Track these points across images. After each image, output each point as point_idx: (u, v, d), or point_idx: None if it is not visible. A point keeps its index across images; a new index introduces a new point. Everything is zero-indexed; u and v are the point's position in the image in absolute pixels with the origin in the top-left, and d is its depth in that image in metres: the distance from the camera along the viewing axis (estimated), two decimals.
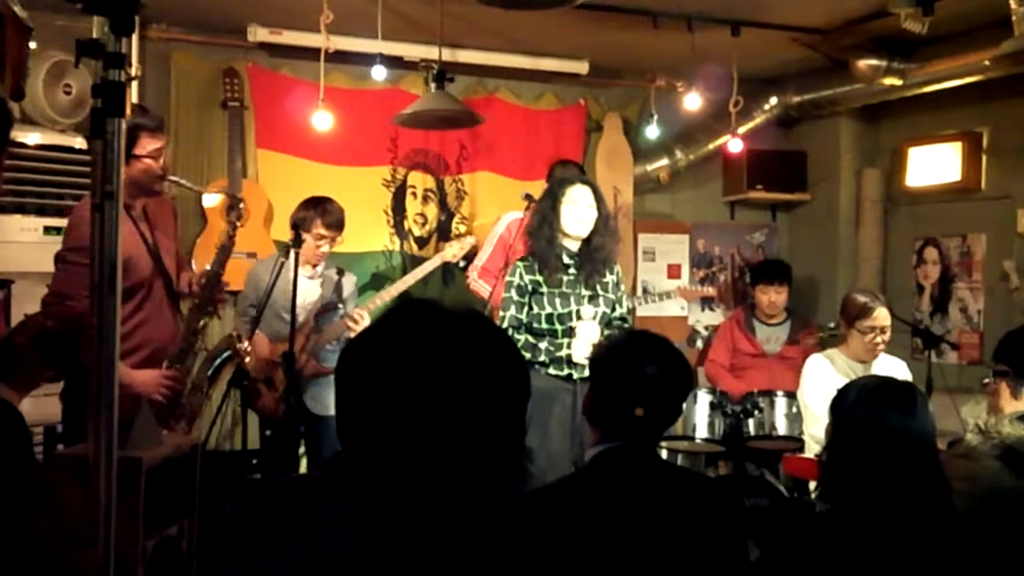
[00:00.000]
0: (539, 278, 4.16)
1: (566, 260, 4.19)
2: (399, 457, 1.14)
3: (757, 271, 5.96)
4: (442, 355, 1.15)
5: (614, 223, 4.43)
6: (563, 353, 4.11)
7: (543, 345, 4.12)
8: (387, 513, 1.15)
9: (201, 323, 3.81)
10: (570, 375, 4.12)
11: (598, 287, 4.23)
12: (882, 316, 4.30)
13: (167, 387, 3.65)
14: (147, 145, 3.67)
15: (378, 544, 1.13)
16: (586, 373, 4.10)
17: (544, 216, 4.19)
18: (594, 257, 4.20)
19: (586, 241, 4.20)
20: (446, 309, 1.22)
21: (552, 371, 4.11)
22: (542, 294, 4.15)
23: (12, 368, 2.88)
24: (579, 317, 4.11)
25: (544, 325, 4.14)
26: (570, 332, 4.12)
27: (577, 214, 4.16)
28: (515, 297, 4.16)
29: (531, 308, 4.16)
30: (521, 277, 4.17)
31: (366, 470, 1.16)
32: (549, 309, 4.14)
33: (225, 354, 3.90)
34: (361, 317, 4.61)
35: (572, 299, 4.16)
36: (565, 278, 4.18)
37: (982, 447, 2.71)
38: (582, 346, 4.04)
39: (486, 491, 1.18)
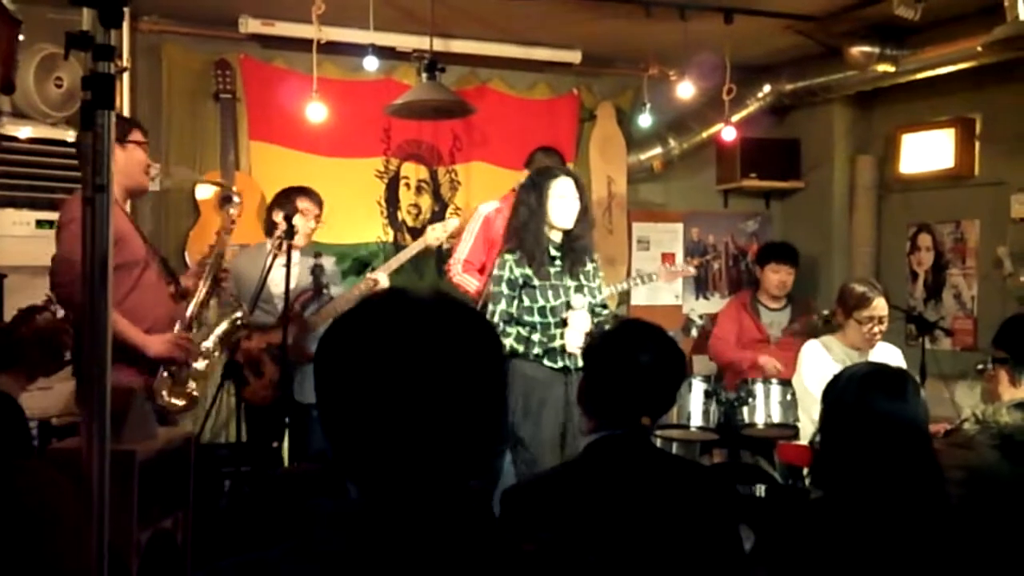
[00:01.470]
0: (529, 271, 4.15)
1: (552, 252, 4.21)
2: (379, 444, 1.14)
3: (766, 251, 5.92)
4: (416, 340, 1.15)
5: (591, 214, 4.46)
6: (557, 344, 4.12)
7: (536, 337, 4.13)
8: (372, 502, 1.15)
9: (209, 295, 3.99)
10: (565, 367, 4.13)
11: (581, 277, 4.26)
12: (880, 306, 4.30)
13: (180, 347, 3.75)
14: (139, 136, 3.77)
15: (366, 535, 1.14)
16: (580, 363, 4.19)
17: (531, 210, 4.18)
18: (576, 247, 4.24)
19: (567, 232, 4.22)
20: (419, 295, 1.22)
21: (547, 363, 4.13)
22: (534, 287, 4.15)
23: (14, 360, 2.88)
24: (570, 307, 4.14)
25: (536, 318, 4.14)
26: (562, 323, 4.14)
27: (564, 206, 4.18)
28: (505, 291, 4.15)
29: (521, 301, 4.16)
30: (511, 271, 4.16)
31: (349, 459, 1.17)
32: (541, 302, 4.14)
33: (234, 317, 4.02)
34: (376, 282, 4.74)
35: (561, 291, 4.19)
36: (553, 270, 4.20)
37: (980, 436, 2.72)
38: (575, 336, 4.07)
39: (468, 475, 1.18)
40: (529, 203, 4.20)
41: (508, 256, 4.20)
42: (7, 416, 2.56)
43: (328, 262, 4.82)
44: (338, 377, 1.17)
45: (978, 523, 2.23)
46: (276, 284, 4.36)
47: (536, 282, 4.15)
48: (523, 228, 4.19)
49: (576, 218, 4.20)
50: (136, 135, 3.86)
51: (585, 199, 4.26)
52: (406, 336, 1.16)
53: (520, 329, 4.13)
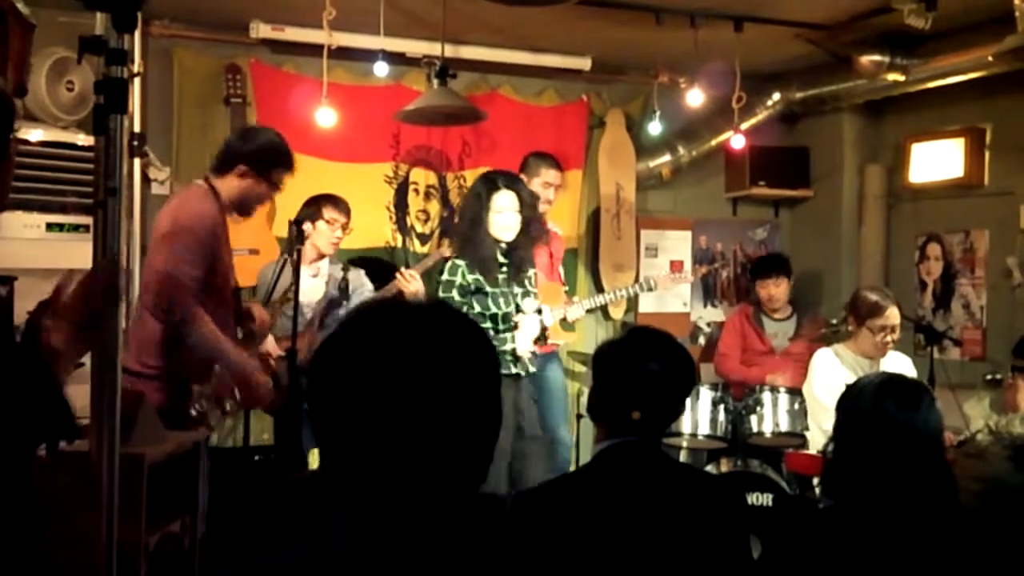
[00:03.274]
0: (480, 278, 4.21)
1: (500, 259, 4.28)
2: (377, 452, 1.14)
3: (756, 266, 5.97)
4: (411, 346, 1.16)
5: (539, 224, 4.53)
6: (508, 348, 4.20)
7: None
8: (375, 507, 1.15)
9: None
10: (517, 373, 4.24)
11: (527, 283, 4.38)
12: (893, 315, 4.29)
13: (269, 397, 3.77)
14: (282, 177, 3.75)
15: (370, 538, 1.13)
16: (532, 369, 4.29)
17: (473, 220, 4.25)
18: (513, 258, 4.31)
19: (508, 243, 4.30)
20: (414, 303, 1.24)
21: (501, 370, 4.18)
22: (486, 294, 4.21)
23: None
24: (520, 311, 4.27)
25: (488, 324, 4.18)
26: (511, 328, 4.24)
27: (502, 221, 4.25)
28: (457, 297, 4.19)
29: (472, 308, 4.20)
30: (464, 276, 4.21)
31: (346, 466, 1.16)
32: (494, 309, 4.22)
33: None
34: (413, 277, 4.67)
35: (511, 297, 4.28)
36: (501, 276, 4.28)
37: (993, 447, 2.71)
38: (525, 340, 4.22)
39: (465, 481, 1.18)
40: (472, 214, 4.27)
41: (459, 262, 4.24)
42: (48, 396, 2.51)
43: (356, 274, 4.81)
44: (336, 384, 1.17)
45: (992, 534, 2.22)
46: (301, 292, 4.36)
47: (488, 289, 4.21)
48: (468, 237, 4.25)
49: (517, 232, 4.28)
50: (278, 176, 3.73)
51: (528, 212, 4.31)
52: (402, 344, 1.16)
53: None
